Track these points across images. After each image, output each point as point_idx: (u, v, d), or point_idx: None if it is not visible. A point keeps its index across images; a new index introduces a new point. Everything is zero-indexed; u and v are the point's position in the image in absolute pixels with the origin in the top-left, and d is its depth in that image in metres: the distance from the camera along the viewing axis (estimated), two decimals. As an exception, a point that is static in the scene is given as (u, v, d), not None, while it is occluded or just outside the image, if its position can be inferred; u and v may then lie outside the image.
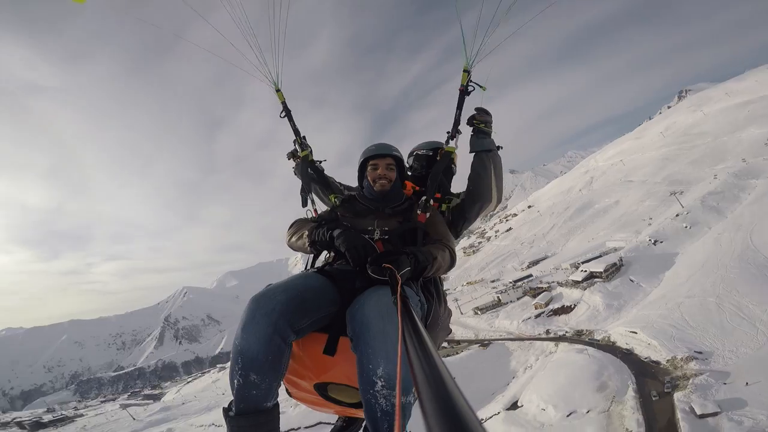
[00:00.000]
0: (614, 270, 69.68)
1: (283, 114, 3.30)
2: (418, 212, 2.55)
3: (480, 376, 61.11)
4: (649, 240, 76.58)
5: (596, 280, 69.08)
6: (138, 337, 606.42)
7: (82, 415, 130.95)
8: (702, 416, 30.39)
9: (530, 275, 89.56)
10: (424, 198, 2.66)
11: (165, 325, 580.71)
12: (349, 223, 2.46)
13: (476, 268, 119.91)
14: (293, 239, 2.52)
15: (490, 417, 46.81)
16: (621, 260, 71.81)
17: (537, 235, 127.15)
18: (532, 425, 41.26)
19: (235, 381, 1.79)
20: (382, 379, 1.64)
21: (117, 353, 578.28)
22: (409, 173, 3.22)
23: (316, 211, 2.90)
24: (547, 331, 63.90)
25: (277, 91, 3.28)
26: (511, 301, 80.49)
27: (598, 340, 52.78)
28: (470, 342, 72.46)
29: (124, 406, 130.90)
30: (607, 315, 59.82)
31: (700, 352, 39.35)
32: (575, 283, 71.74)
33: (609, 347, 49.37)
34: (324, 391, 2.04)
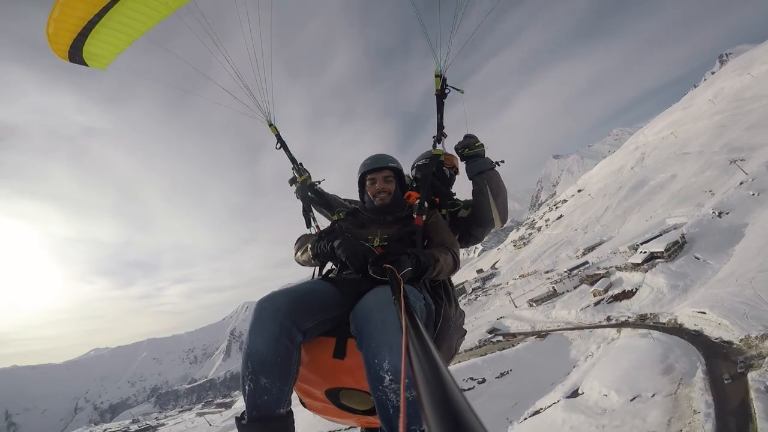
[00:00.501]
0: (677, 248, 65.90)
1: (279, 146, 3.38)
2: (414, 216, 2.58)
3: (538, 367, 60.33)
4: (713, 212, 71.48)
5: (658, 260, 65.76)
6: (208, 351, 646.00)
7: (163, 425, 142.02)
8: (780, 394, 28.73)
9: (586, 262, 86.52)
10: (417, 201, 2.68)
11: (231, 338, 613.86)
12: (351, 234, 2.52)
13: (528, 260, 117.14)
14: (299, 254, 2.62)
15: (549, 406, 46.54)
16: (683, 237, 67.73)
17: (590, 220, 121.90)
18: (594, 411, 40.55)
19: (246, 387, 1.80)
20: (390, 373, 1.63)
21: (190, 367, 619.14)
22: (414, 185, 3.27)
23: (318, 227, 2.96)
24: (608, 318, 61.76)
25: (270, 125, 3.39)
26: (567, 291, 78.40)
27: (664, 323, 50.48)
28: (526, 334, 71.49)
29: (200, 414, 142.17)
30: (672, 297, 56.84)
31: (777, 328, 36.80)
32: (635, 266, 68.68)
33: (676, 329, 47.13)
34: (336, 398, 2.02)
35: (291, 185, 3.39)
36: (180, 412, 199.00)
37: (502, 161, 2.98)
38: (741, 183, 77.26)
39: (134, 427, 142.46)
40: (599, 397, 42.23)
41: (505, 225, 3.01)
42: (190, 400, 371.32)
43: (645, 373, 40.34)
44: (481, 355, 68.69)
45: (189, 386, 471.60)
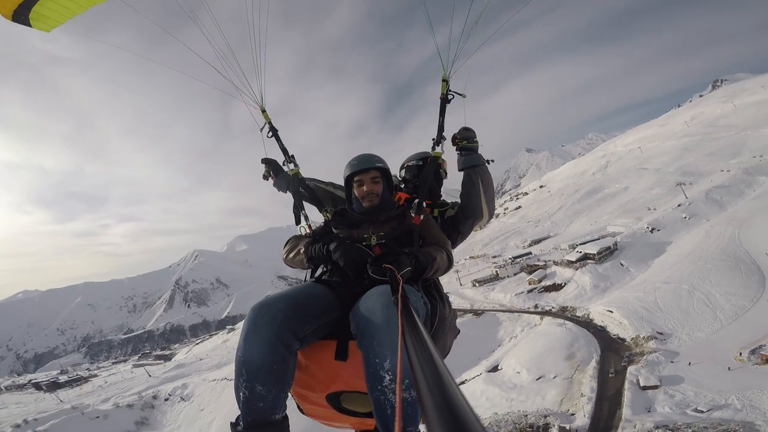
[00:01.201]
0: (608, 253, 73.16)
1: (270, 134, 3.26)
2: (412, 215, 2.57)
3: (470, 342, 66.67)
4: (647, 227, 79.27)
5: (589, 261, 72.83)
6: (149, 300, 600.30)
7: (95, 376, 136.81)
8: (644, 388, 35.09)
9: (530, 253, 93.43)
10: (416, 201, 2.68)
11: (175, 288, 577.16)
12: (344, 235, 2.48)
13: (480, 244, 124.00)
14: (290, 255, 2.56)
15: (473, 378, 52.68)
16: (616, 244, 75.11)
17: (544, 215, 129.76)
18: (507, 386, 46.72)
19: (241, 394, 1.78)
20: (390, 373, 1.62)
21: (128, 316, 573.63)
22: (402, 186, 3.30)
23: (310, 227, 2.89)
24: (536, 306, 68.64)
25: (263, 111, 3.28)
26: (508, 276, 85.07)
27: (579, 317, 57.36)
28: (465, 311, 77.78)
29: (137, 366, 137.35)
30: (592, 295, 64.01)
31: (661, 333, 43.70)
32: (569, 263, 75.64)
33: (586, 323, 53.94)
34: (337, 403, 1.98)
35: (266, 179, 3.33)
36: (113, 363, 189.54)
37: (492, 160, 3.09)
38: (679, 205, 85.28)
39: (63, 377, 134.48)
40: (513, 373, 48.47)
41: (491, 220, 3.12)
42: (125, 352, 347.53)
43: (552, 357, 46.72)
44: (421, 324, 74.50)
45: (124, 336, 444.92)
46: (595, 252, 72.98)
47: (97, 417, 75.55)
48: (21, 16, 2.82)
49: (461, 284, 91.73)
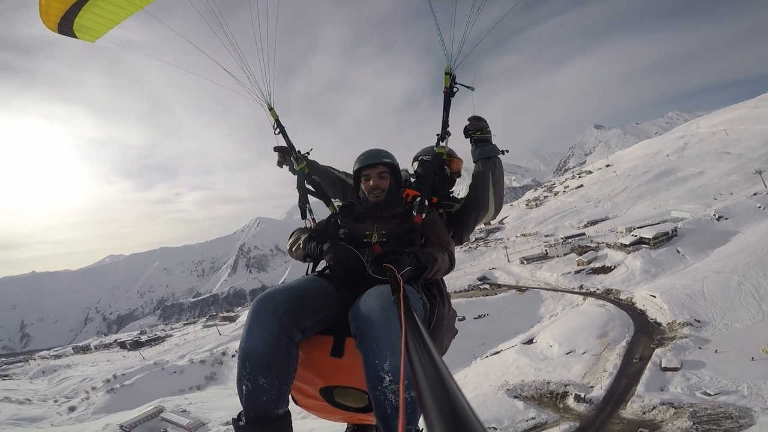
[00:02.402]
0: (665, 239, 71.08)
1: (278, 131, 3.29)
2: (414, 213, 2.56)
3: (511, 316, 70.06)
4: (714, 215, 75.10)
5: (643, 246, 71.48)
6: (215, 265, 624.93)
7: (171, 336, 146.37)
8: (664, 369, 36.82)
9: (583, 234, 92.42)
10: (418, 199, 2.66)
11: (239, 254, 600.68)
12: (347, 228, 2.48)
13: (534, 222, 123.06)
14: (293, 249, 2.58)
15: (508, 348, 56.36)
16: (675, 230, 72.50)
17: (605, 196, 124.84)
18: (538, 357, 50.01)
19: (244, 387, 1.80)
20: (390, 374, 1.63)
21: (197, 280, 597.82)
22: (413, 179, 3.25)
23: (314, 220, 2.90)
24: (581, 287, 69.64)
25: (270, 109, 3.31)
26: (557, 256, 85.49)
27: (622, 300, 58.13)
28: (509, 287, 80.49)
29: (207, 326, 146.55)
30: (641, 279, 63.73)
31: (699, 321, 44.07)
32: (622, 246, 74.62)
33: (628, 306, 54.85)
34: (330, 396, 2.02)
35: (281, 166, 3.40)
36: (185, 324, 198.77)
37: (507, 150, 3.03)
38: (755, 194, 79.22)
39: (144, 337, 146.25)
40: (545, 347, 51.55)
41: (497, 215, 3.07)
42: (193, 314, 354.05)
43: (584, 335, 49.04)
44: (467, 298, 78.77)
45: (193, 300, 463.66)
46: (650, 237, 71.27)
47: (174, 372, 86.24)
48: (65, 28, 2.97)
49: (509, 261, 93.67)
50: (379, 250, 2.37)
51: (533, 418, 35.74)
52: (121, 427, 54.70)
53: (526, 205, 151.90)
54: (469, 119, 2.99)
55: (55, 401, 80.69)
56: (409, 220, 2.56)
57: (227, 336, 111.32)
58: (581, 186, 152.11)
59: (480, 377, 48.82)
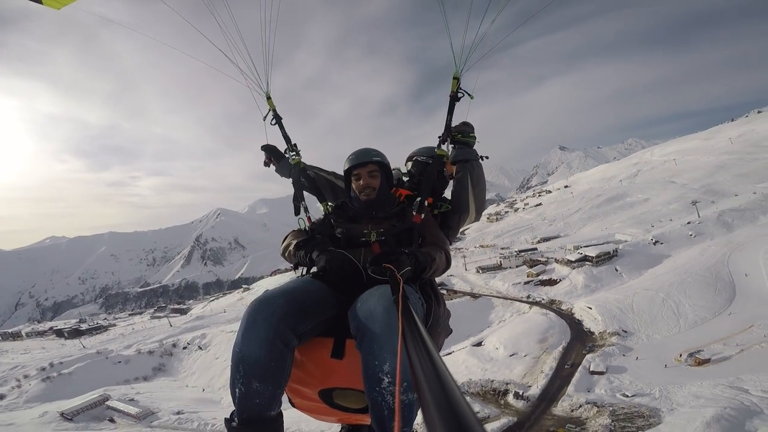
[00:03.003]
0: (606, 258, 77.45)
1: (274, 122, 3.21)
2: (414, 213, 2.57)
3: (463, 321, 73.31)
4: (651, 239, 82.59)
5: (587, 263, 77.47)
6: (168, 255, 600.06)
7: (114, 325, 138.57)
8: (592, 372, 41.20)
9: (536, 249, 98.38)
10: (418, 199, 2.66)
11: (195, 244, 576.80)
12: (343, 228, 2.48)
13: (493, 234, 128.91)
14: (285, 255, 2.56)
15: (459, 350, 59.60)
16: (616, 251, 79.17)
17: (559, 215, 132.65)
18: (485, 358, 53.52)
19: (237, 390, 1.79)
20: (389, 376, 1.63)
21: (147, 269, 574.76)
22: (405, 180, 3.32)
23: (309, 218, 2.82)
24: (528, 296, 74.48)
25: (268, 98, 3.22)
26: (510, 267, 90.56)
27: (563, 310, 63.03)
28: (465, 293, 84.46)
29: (154, 318, 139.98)
30: (582, 293, 69.15)
31: (625, 331, 49.21)
32: (568, 262, 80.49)
33: (567, 315, 59.69)
34: (329, 398, 2.01)
35: (267, 166, 3.33)
36: (130, 315, 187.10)
37: (487, 157, 3.05)
38: (688, 222, 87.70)
39: (84, 325, 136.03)
40: (492, 349, 55.20)
41: (479, 217, 3.07)
42: (139, 305, 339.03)
43: (527, 339, 53.05)
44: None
45: (141, 290, 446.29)
46: (594, 255, 77.43)
47: (120, 362, 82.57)
48: None
49: (466, 269, 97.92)
50: (378, 249, 2.36)
51: (477, 413, 37.72)
52: (61, 414, 52.63)
53: (487, 218, 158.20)
54: (460, 123, 3.04)
55: None
56: (406, 219, 2.55)
57: (179, 328, 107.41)
58: (540, 204, 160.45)
59: (430, 375, 51.59)
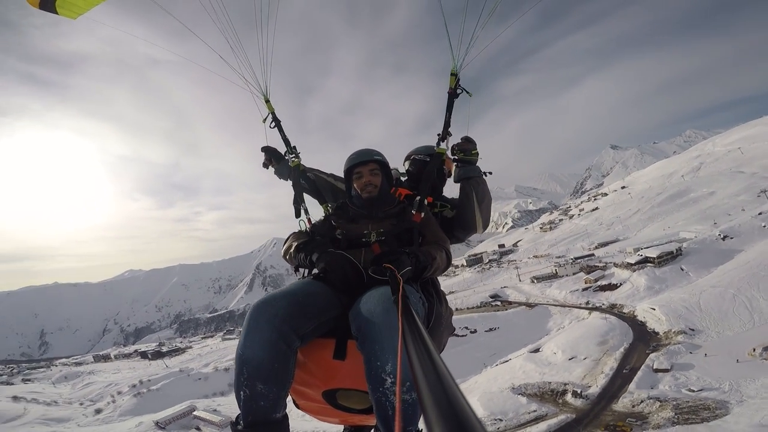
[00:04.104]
0: (669, 258, 73.98)
1: (273, 125, 3.24)
2: (413, 212, 2.56)
3: (520, 329, 73.19)
4: (719, 235, 77.64)
5: (648, 264, 74.46)
6: (232, 283, 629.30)
7: (190, 347, 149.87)
8: (656, 370, 40.28)
9: (592, 255, 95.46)
10: (418, 198, 2.66)
11: (256, 272, 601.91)
12: (343, 229, 2.49)
13: (547, 244, 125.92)
14: (287, 257, 2.56)
15: (517, 356, 59.69)
16: (680, 250, 75.38)
17: (617, 219, 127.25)
18: (543, 363, 53.45)
19: (242, 393, 1.79)
20: (392, 376, 1.63)
21: (214, 296, 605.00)
22: (404, 179, 3.32)
23: (310, 220, 2.89)
24: (587, 302, 72.64)
25: (267, 101, 3.25)
26: (566, 275, 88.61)
27: (625, 313, 61.18)
28: (520, 303, 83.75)
29: (225, 339, 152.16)
30: (645, 295, 66.45)
31: (693, 329, 47.24)
32: (628, 265, 77.71)
33: (629, 318, 57.98)
34: (333, 399, 2.01)
35: (266, 167, 3.34)
36: (203, 338, 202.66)
37: (490, 173, 3.03)
38: (760, 213, 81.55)
39: (164, 348, 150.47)
40: (550, 354, 54.99)
41: (485, 230, 3.06)
42: (209, 329, 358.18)
43: (586, 343, 52.41)
44: (479, 313, 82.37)
45: (210, 315, 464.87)
46: (655, 256, 74.30)
47: (200, 378, 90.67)
48: (47, 3, 2.95)
49: (520, 280, 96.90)
50: (378, 249, 2.35)
51: (534, 411, 39.47)
52: (156, 423, 59.51)
53: (540, 228, 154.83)
54: (462, 138, 3.02)
55: (81, 404, 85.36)
56: (406, 218, 2.54)
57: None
58: (596, 209, 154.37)
59: (489, 382, 52.43)
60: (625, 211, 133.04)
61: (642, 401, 35.70)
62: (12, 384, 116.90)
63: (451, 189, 3.17)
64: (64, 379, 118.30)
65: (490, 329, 75.90)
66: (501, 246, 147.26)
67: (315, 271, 2.35)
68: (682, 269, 70.28)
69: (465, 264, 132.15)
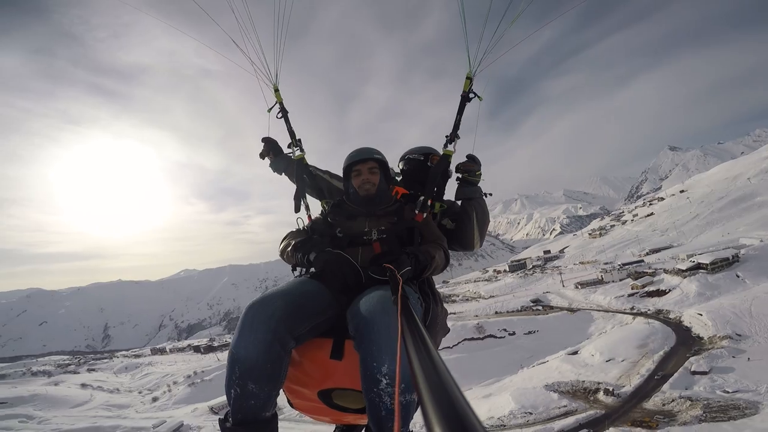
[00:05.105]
0: (724, 264, 70.49)
1: (280, 115, 3.17)
2: (416, 211, 2.56)
3: (560, 333, 72.72)
4: (784, 241, 72.89)
5: (700, 271, 71.33)
6: (278, 282, 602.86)
7: None
8: (693, 372, 39.77)
9: (642, 261, 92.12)
10: (422, 198, 2.68)
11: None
12: (342, 227, 2.46)
13: (595, 251, 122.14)
14: (284, 255, 2.53)
15: (554, 358, 59.95)
16: (736, 256, 71.52)
17: (673, 225, 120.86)
18: (579, 364, 53.67)
19: (232, 391, 1.76)
20: (387, 377, 1.62)
21: None
22: (399, 178, 3.32)
23: (310, 216, 2.89)
24: (632, 308, 70.84)
25: (276, 90, 3.16)
26: (612, 281, 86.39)
27: (671, 319, 59.51)
28: (561, 308, 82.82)
29: None
30: (694, 301, 63.98)
31: (739, 335, 45.70)
32: (679, 272, 74.73)
33: (674, 323, 56.51)
34: (328, 399, 1.99)
35: (263, 158, 3.27)
36: None
37: (490, 194, 3.06)
38: (833, 217, 75.49)
39: (215, 343, 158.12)
40: (588, 356, 55.06)
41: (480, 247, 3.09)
42: None
43: (625, 345, 52.06)
44: (519, 316, 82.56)
45: None
46: (708, 262, 71.08)
47: None
48: None
49: (564, 285, 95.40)
50: (379, 247, 2.34)
51: (564, 406, 40.54)
52: (210, 408, 65.87)
53: (590, 234, 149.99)
54: (467, 156, 3.01)
55: (140, 392, 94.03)
56: (406, 217, 2.53)
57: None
58: (651, 214, 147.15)
59: (524, 380, 53.56)
60: (682, 216, 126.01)
61: (673, 400, 35.78)
62: (78, 373, 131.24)
63: (451, 190, 3.11)
64: (125, 369, 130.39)
65: (529, 332, 75.95)
66: (546, 252, 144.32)
67: (312, 270, 2.33)
68: (737, 276, 66.76)
69: (508, 269, 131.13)
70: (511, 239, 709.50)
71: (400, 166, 3.35)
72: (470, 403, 0.60)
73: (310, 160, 3.21)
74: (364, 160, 2.61)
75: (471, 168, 2.97)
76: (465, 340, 72.43)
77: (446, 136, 2.89)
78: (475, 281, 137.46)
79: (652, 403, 37.05)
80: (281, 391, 1.94)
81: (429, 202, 2.70)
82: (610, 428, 33.00)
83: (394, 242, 2.36)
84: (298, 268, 2.45)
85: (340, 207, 2.63)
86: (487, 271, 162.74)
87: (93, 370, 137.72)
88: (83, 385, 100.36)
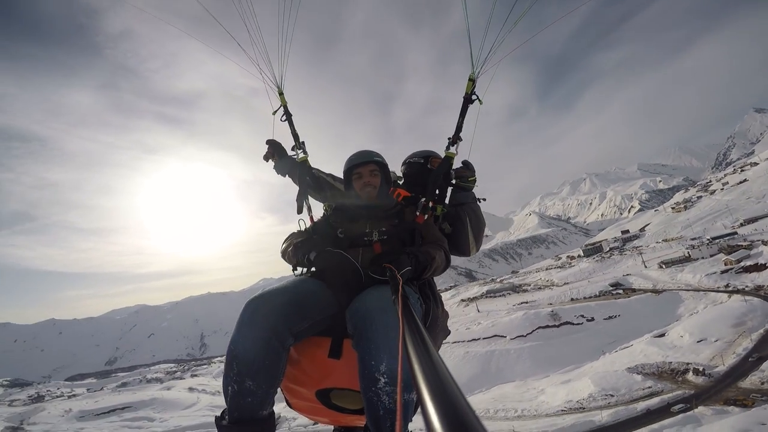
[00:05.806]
0: (838, 230, 62.51)
1: (284, 118, 3.19)
2: (417, 213, 2.57)
3: (643, 316, 69.35)
4: None
5: (808, 239, 63.93)
6: None
7: None
8: (800, 350, 36.97)
9: (735, 233, 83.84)
10: (423, 199, 2.69)
11: None
12: (343, 228, 2.46)
13: (680, 226, 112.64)
14: (285, 256, 2.54)
15: (639, 341, 57.59)
16: None
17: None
18: (667, 346, 51.52)
19: (230, 388, 1.75)
20: (385, 376, 1.61)
21: None
22: (401, 181, 3.31)
23: (312, 218, 2.92)
24: (727, 285, 65.36)
25: (280, 94, 3.21)
26: (702, 257, 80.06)
27: (771, 294, 54.47)
28: (645, 290, 78.25)
29: None
30: (802, 274, 57.90)
31: None
32: (782, 242, 67.55)
33: (776, 299, 51.76)
34: (326, 398, 1.98)
35: (266, 160, 3.22)
36: None
37: (484, 199, 3.09)
38: None
39: None
40: (676, 337, 52.60)
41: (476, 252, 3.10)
42: None
43: (718, 325, 49.05)
44: (597, 301, 79.51)
45: None
46: (816, 228, 63.46)
47: None
48: None
49: (646, 266, 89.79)
50: (380, 248, 2.33)
51: (649, 387, 39.76)
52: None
53: (673, 209, 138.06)
54: (462, 162, 3.02)
55: None
56: (407, 219, 2.53)
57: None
58: (745, 180, 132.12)
59: (606, 365, 52.36)
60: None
61: (774, 378, 33.77)
62: (183, 378, 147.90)
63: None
64: (222, 373, 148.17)
65: (610, 317, 73.11)
66: (624, 232, 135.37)
67: (313, 269, 2.36)
68: None
69: (582, 254, 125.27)
70: (584, 222, 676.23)
71: (402, 170, 3.38)
72: (470, 403, 0.61)
73: (334, 167, 3.28)
74: (365, 162, 2.63)
75: (464, 174, 3.01)
76: (539, 328, 71.65)
77: (448, 139, 2.90)
78: (546, 269, 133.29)
79: (750, 381, 35.21)
80: (279, 390, 1.95)
81: (430, 204, 2.71)
82: (699, 407, 32.00)
83: (395, 243, 2.37)
84: (299, 268, 2.46)
85: (342, 209, 2.64)
86: (560, 258, 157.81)
87: (196, 375, 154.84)
88: (190, 389, 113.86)
